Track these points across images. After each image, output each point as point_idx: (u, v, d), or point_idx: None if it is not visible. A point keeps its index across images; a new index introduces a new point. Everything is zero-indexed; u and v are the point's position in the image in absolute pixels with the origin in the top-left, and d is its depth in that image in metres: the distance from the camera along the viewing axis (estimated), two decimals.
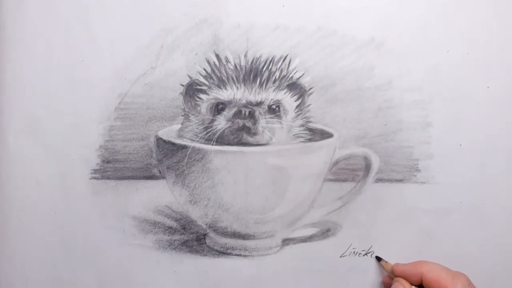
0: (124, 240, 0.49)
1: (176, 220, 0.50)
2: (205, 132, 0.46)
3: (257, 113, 0.44)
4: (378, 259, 0.47)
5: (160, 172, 0.48)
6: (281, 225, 0.48)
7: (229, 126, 0.44)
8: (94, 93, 0.48)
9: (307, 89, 0.47)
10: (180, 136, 0.48)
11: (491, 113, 0.48)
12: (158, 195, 0.49)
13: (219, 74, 0.46)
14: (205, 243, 0.49)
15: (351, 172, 0.48)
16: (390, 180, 0.48)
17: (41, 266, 0.49)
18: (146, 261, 0.49)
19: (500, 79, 0.47)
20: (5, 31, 0.48)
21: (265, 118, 0.45)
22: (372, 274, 0.48)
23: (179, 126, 0.48)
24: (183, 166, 0.45)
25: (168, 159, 0.46)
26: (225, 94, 0.46)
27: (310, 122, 0.48)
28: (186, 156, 0.44)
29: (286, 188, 0.45)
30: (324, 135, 0.48)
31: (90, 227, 0.49)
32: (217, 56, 0.47)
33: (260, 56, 0.47)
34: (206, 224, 0.48)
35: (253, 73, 0.46)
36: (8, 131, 0.49)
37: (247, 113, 0.44)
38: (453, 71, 0.48)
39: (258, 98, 0.45)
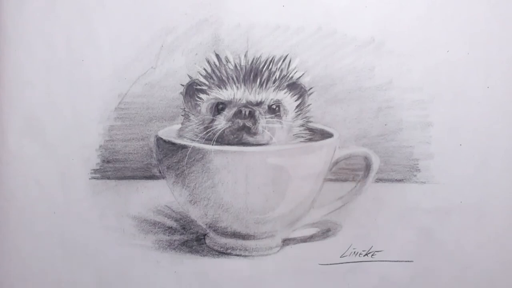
0: (124, 240, 0.49)
1: (176, 220, 0.50)
2: (205, 132, 0.46)
3: (257, 113, 0.44)
4: None
5: (160, 172, 0.48)
6: (281, 225, 0.48)
7: (229, 126, 0.44)
8: (94, 93, 0.48)
9: (307, 89, 0.47)
10: (180, 136, 0.48)
11: (491, 113, 0.48)
12: (158, 195, 0.49)
13: (219, 74, 0.46)
14: (205, 243, 0.49)
15: (351, 172, 0.48)
16: (390, 180, 0.48)
17: (41, 266, 0.49)
18: (146, 261, 0.49)
19: (500, 79, 0.47)
20: (5, 31, 0.48)
21: (265, 118, 0.45)
22: (372, 275, 0.48)
23: (179, 126, 0.48)
24: (183, 166, 0.45)
25: (168, 159, 0.46)
26: (225, 94, 0.46)
27: (310, 122, 0.48)
28: (186, 156, 0.44)
29: (286, 188, 0.45)
30: (324, 135, 0.48)
31: (90, 227, 0.49)
32: (217, 56, 0.47)
33: (260, 56, 0.47)
34: (206, 224, 0.48)
35: (253, 73, 0.46)
36: (8, 131, 0.49)
37: (247, 113, 0.44)
38: (453, 71, 0.48)
39: (258, 98, 0.45)
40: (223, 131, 0.44)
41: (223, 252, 0.49)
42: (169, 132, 0.48)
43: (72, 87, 0.48)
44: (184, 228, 0.50)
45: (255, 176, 0.44)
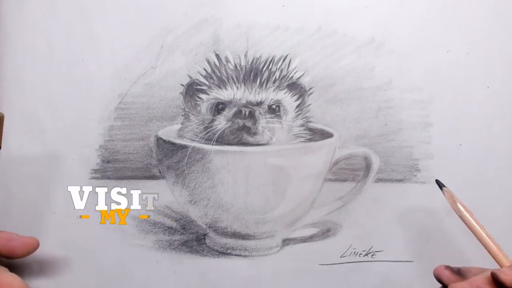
0: (124, 240, 0.49)
1: (176, 220, 0.50)
2: (205, 132, 0.46)
3: (257, 113, 0.44)
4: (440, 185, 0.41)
5: (160, 172, 0.48)
6: (281, 225, 0.48)
7: (229, 126, 0.44)
8: (94, 93, 0.48)
9: (307, 89, 0.47)
10: (180, 136, 0.48)
11: (491, 113, 0.48)
12: (158, 195, 0.49)
13: (219, 74, 0.46)
14: (205, 243, 0.49)
15: (351, 172, 0.48)
16: (390, 180, 0.48)
17: (41, 266, 0.49)
18: (146, 261, 0.49)
19: (500, 79, 0.47)
20: (5, 31, 0.48)
21: (265, 118, 0.45)
22: (372, 275, 0.48)
23: (179, 126, 0.48)
24: (183, 166, 0.45)
25: (168, 159, 0.46)
26: (225, 94, 0.46)
27: (310, 122, 0.48)
28: (186, 156, 0.44)
29: (286, 188, 0.45)
30: (324, 135, 0.48)
31: (90, 227, 0.49)
32: (217, 56, 0.47)
33: (260, 56, 0.47)
34: (206, 224, 0.48)
35: (253, 73, 0.46)
36: (8, 131, 0.49)
37: (247, 113, 0.44)
38: (453, 71, 0.48)
39: (258, 98, 0.45)
40: (223, 131, 0.44)
41: (223, 252, 0.49)
42: (169, 132, 0.48)
43: (72, 87, 0.48)
44: (184, 228, 0.50)
45: (255, 176, 0.44)
